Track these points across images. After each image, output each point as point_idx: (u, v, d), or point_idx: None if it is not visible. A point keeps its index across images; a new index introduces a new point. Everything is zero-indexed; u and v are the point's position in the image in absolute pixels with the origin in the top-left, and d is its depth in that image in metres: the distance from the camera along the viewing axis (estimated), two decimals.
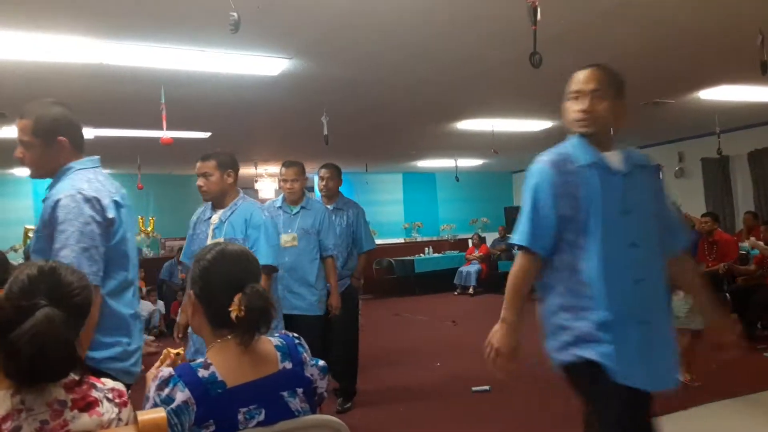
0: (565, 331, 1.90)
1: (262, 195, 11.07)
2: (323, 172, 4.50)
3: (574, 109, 1.96)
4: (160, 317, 7.89)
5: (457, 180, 10.35)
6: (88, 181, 2.01)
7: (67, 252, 1.87)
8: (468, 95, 5.64)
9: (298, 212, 3.99)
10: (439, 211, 12.84)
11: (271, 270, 2.97)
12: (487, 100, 5.95)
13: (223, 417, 1.37)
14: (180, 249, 7.56)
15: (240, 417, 1.39)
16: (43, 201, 2.04)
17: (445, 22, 3.63)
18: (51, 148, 2.04)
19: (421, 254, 11.73)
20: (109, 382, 1.34)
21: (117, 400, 1.30)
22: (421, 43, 4.02)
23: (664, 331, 1.95)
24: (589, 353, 1.84)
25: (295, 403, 1.48)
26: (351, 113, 6.04)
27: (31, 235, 7.88)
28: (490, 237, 12.03)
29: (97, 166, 2.13)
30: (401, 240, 12.36)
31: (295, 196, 3.99)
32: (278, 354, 1.51)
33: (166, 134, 4.80)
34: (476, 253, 11.32)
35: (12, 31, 3.39)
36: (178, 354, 1.62)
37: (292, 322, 3.63)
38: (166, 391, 1.35)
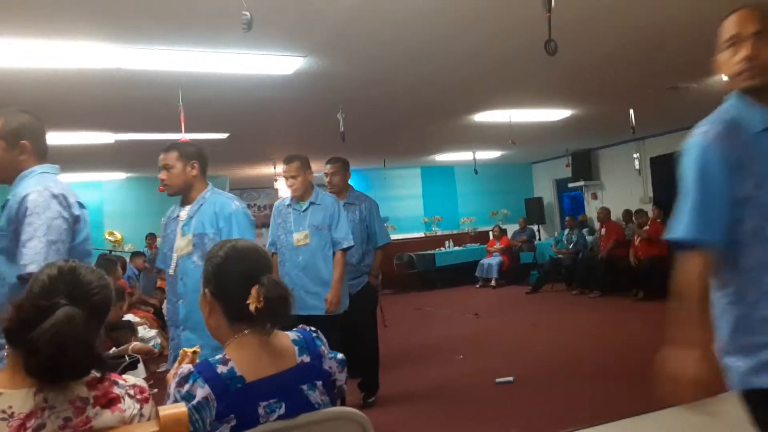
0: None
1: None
2: (327, 167, 4.36)
3: (732, 60, 1.55)
4: None
5: (476, 172, 10.28)
6: (54, 182, 2.09)
7: (35, 243, 1.91)
8: (484, 87, 5.58)
9: (307, 209, 3.80)
10: (458, 204, 12.79)
11: None
12: (503, 91, 5.88)
13: (244, 411, 1.38)
14: None
15: (260, 411, 1.40)
16: (5, 202, 2.09)
17: (461, 13, 3.60)
18: (14, 150, 2.10)
19: (442, 248, 11.71)
20: (131, 379, 1.35)
21: (138, 396, 1.31)
22: (436, 36, 3.99)
23: None
24: None
25: (315, 396, 1.49)
26: (367, 109, 6.03)
27: None
28: (511, 229, 11.96)
29: (57, 173, 2.18)
30: (421, 234, 12.34)
31: (298, 192, 3.80)
32: (296, 348, 1.52)
33: (184, 136, 4.84)
34: (497, 246, 11.26)
35: (31, 39, 3.45)
36: (195, 352, 1.64)
37: (311, 323, 3.57)
38: (186, 387, 1.36)
